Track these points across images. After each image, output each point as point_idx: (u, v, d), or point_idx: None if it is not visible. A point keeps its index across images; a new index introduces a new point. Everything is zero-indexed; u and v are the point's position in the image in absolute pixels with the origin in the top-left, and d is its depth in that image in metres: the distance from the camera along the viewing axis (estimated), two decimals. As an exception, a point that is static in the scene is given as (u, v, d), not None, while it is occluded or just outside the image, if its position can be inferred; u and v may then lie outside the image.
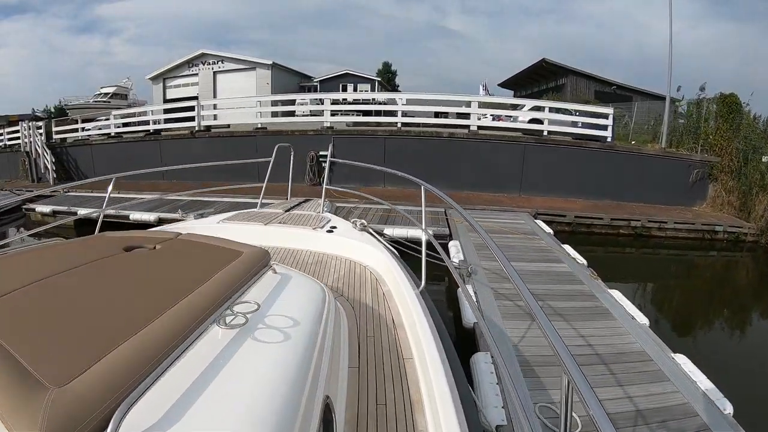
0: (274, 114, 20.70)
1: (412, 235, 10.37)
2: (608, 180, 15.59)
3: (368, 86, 38.44)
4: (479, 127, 17.08)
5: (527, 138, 16.57)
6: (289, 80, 36.43)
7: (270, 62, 34.28)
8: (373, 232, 4.87)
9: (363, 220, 5.06)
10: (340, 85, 37.48)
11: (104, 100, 46.33)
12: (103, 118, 23.24)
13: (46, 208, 14.29)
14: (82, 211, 13.21)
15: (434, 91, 18.20)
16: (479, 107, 17.33)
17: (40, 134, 22.10)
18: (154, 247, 2.37)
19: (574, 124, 17.49)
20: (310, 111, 20.47)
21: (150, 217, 12.65)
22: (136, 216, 12.87)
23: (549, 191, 15.78)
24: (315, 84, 39.23)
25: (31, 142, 21.97)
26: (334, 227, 5.01)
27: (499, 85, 47.75)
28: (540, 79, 40.48)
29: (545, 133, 16.97)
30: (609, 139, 16.71)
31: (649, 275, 12.08)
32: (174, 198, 14.70)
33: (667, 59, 17.62)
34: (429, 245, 3.92)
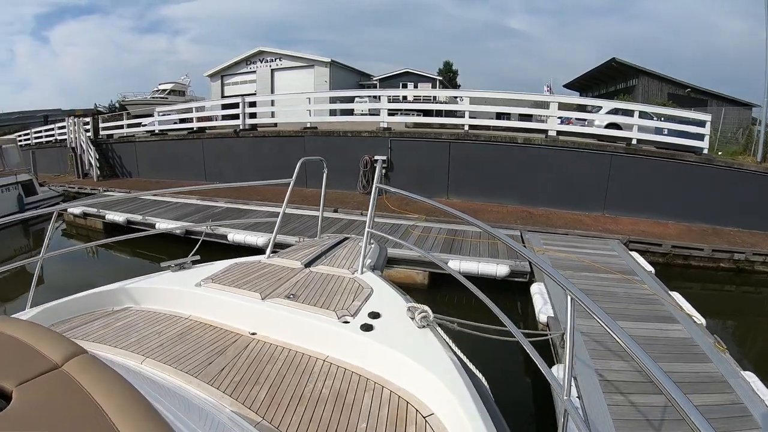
0: (332, 112, 19.28)
1: (485, 270, 8.40)
2: (703, 199, 12.97)
3: (429, 85, 36.80)
4: (558, 133, 14.71)
5: (615, 147, 14.07)
6: (348, 78, 35.03)
7: (328, 60, 33.09)
8: (444, 337, 2.75)
9: (426, 309, 2.86)
10: (401, 84, 35.78)
11: (162, 96, 46.13)
12: (148, 115, 23.12)
13: (76, 209, 13.60)
14: (110, 216, 12.63)
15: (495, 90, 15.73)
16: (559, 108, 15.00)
17: (86, 130, 21.91)
18: None
19: (658, 131, 15.01)
20: (369, 110, 18.56)
21: (175, 226, 11.08)
22: (162, 225, 11.56)
23: (636, 211, 13.33)
24: (374, 83, 37.75)
25: (76, 138, 21.81)
26: (376, 315, 2.95)
27: (564, 86, 44.86)
28: (608, 80, 37.54)
29: (633, 141, 14.32)
30: (704, 151, 14.13)
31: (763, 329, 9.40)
32: (210, 204, 13.49)
33: (745, 61, 14.94)
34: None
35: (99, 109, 49.88)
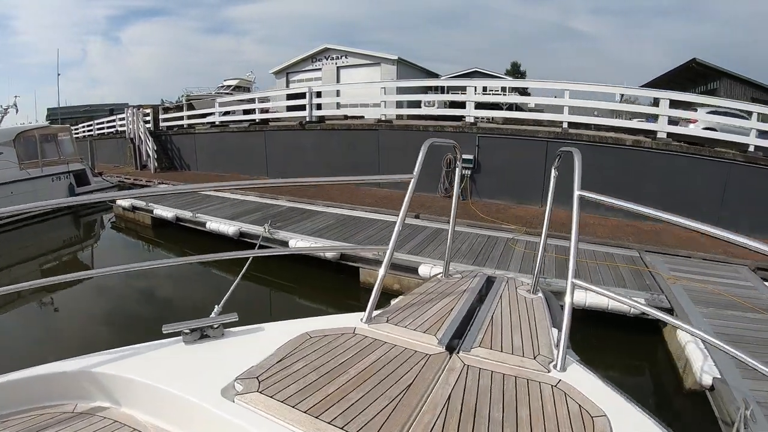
0: (399, 115, 17.69)
1: (616, 307, 6.49)
2: None
3: (497, 89, 35.11)
4: (669, 135, 12.54)
5: (734, 154, 11.79)
6: (415, 77, 33.63)
7: (395, 57, 31.89)
8: None
9: None
10: (467, 89, 34.09)
11: (227, 92, 45.76)
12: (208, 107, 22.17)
13: (125, 202, 12.90)
14: (157, 211, 11.61)
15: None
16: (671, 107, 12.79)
17: (146, 121, 21.67)
18: None
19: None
20: (436, 113, 16.93)
21: (229, 228, 9.64)
22: (212, 225, 10.12)
23: (755, 230, 10.75)
24: (443, 86, 36.21)
25: (135, 129, 21.58)
26: None
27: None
28: (687, 83, 34.70)
29: (751, 149, 12.05)
30: None
31: None
32: (271, 203, 12.14)
33: None
34: None
35: (166, 105, 50.14)
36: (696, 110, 14.32)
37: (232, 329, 2.36)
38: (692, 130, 13.19)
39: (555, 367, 2.19)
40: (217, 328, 2.28)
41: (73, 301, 8.01)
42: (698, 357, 5.25)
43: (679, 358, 5.82)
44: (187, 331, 2.21)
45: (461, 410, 1.79)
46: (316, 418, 1.68)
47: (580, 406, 1.87)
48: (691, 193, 11.53)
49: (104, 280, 8.58)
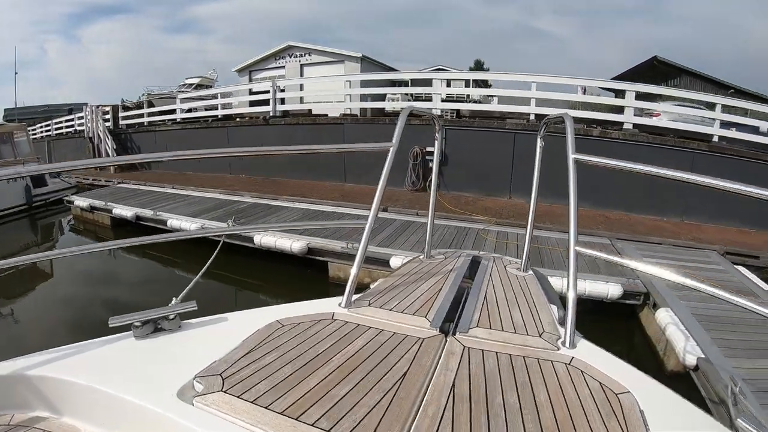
0: (363, 110, 17.32)
1: (594, 291, 6.56)
2: None
3: (462, 83, 35.14)
4: (635, 125, 12.82)
5: (698, 145, 12.04)
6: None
7: (359, 55, 31.56)
8: None
9: None
10: (433, 82, 34.12)
11: (189, 90, 44.91)
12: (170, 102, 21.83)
13: (83, 202, 12.46)
14: (117, 210, 11.18)
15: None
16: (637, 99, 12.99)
17: (105, 120, 21.15)
18: None
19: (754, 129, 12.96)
20: (401, 108, 16.69)
21: (191, 225, 9.39)
22: (174, 223, 9.84)
23: (717, 217, 11.60)
24: (406, 80, 36.14)
25: (94, 128, 21.02)
26: None
27: (600, 88, 43.03)
28: (648, 80, 35.39)
29: (715, 139, 12.52)
30: None
31: None
32: (234, 199, 11.79)
33: None
34: None
35: (126, 104, 48.95)
36: (659, 103, 14.57)
37: (190, 321, 2.02)
38: (657, 121, 13.38)
39: (564, 344, 2.00)
40: (173, 319, 1.93)
41: (10, 295, 7.68)
42: (680, 338, 5.34)
43: (658, 341, 5.91)
44: (138, 323, 1.86)
45: (470, 398, 1.57)
46: (296, 419, 1.38)
47: (600, 383, 1.70)
48: (657, 182, 11.67)
49: (48, 272, 8.22)
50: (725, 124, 12.95)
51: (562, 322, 2.16)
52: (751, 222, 11.41)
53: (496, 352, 1.89)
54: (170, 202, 11.62)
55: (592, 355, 1.93)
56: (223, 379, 1.56)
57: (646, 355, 5.95)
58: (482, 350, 1.91)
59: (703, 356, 4.87)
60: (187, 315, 2.01)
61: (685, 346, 5.15)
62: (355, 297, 2.37)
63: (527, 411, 1.50)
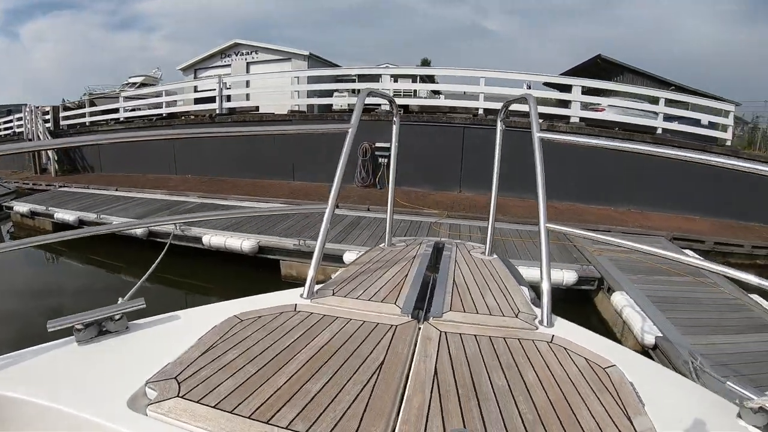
0: (310, 107, 17.42)
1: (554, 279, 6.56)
2: (729, 194, 11.84)
3: (409, 80, 35.25)
4: (581, 119, 13.43)
5: (642, 137, 12.68)
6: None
7: (306, 53, 31.23)
8: None
9: None
10: (380, 79, 34.17)
11: (132, 90, 43.72)
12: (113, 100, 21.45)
13: (23, 208, 11.95)
14: (59, 215, 10.73)
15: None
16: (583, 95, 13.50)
17: (45, 120, 20.42)
18: None
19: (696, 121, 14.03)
20: (348, 105, 17.01)
21: (138, 230, 9.10)
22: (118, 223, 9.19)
23: (662, 206, 12.22)
24: (353, 77, 35.98)
25: (33, 130, 20.17)
26: None
27: (544, 84, 43.89)
28: (592, 78, 36.63)
29: (659, 131, 13.25)
30: (728, 143, 13.67)
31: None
32: (180, 199, 11.67)
33: (718, 62, 13.88)
34: None
35: (67, 105, 47.20)
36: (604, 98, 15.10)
37: (139, 321, 1.82)
38: (603, 114, 13.84)
39: (542, 323, 1.98)
40: (119, 319, 1.72)
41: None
42: (637, 319, 5.60)
43: (615, 324, 6.16)
44: (80, 326, 1.64)
45: (456, 383, 1.47)
46: (267, 423, 1.22)
47: (586, 359, 1.67)
48: (604, 173, 12.17)
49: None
50: (668, 118, 13.49)
51: (536, 302, 2.15)
52: (694, 209, 11.96)
53: (475, 335, 1.83)
54: (114, 204, 11.27)
55: (571, 333, 1.92)
56: (179, 383, 1.39)
57: (603, 336, 6.08)
58: (460, 334, 1.83)
59: (661, 335, 5.12)
60: (134, 315, 1.80)
61: (642, 327, 5.40)
62: (317, 287, 2.23)
63: (518, 393, 1.44)
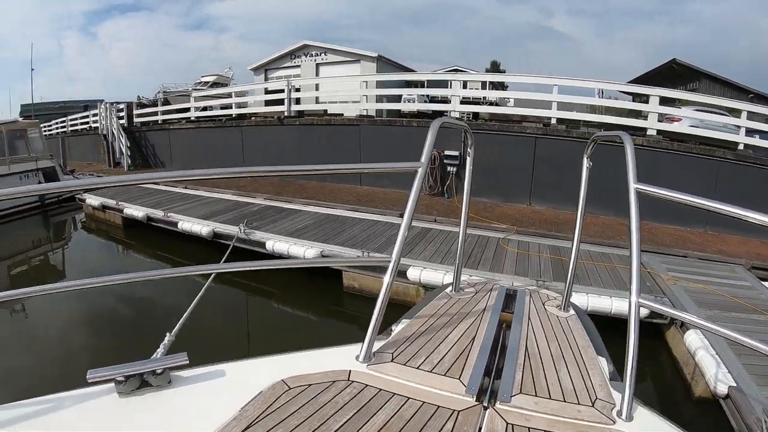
0: (379, 111, 17.38)
1: (620, 310, 6.07)
2: None
3: (479, 84, 34.76)
4: (659, 132, 12.45)
5: (724, 153, 11.62)
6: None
7: (375, 54, 31.35)
8: None
9: None
10: (449, 83, 33.82)
11: (204, 89, 44.90)
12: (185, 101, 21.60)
13: (95, 201, 12.35)
14: (128, 210, 11.04)
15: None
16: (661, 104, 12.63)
17: (120, 117, 20.94)
18: None
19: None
20: (417, 110, 16.94)
21: (202, 228, 9.18)
22: (185, 225, 9.59)
23: (742, 229, 10.99)
24: (422, 81, 35.84)
25: (108, 125, 20.78)
26: None
27: (620, 91, 42.55)
28: (666, 83, 34.89)
29: (740, 147, 12.01)
30: None
31: None
32: (248, 201, 11.90)
33: None
34: None
35: (142, 101, 48.90)
36: (680, 108, 14.21)
37: (181, 374, 1.74)
38: (678, 126, 12.98)
39: (620, 415, 1.69)
40: (161, 374, 1.65)
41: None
42: (710, 364, 5.01)
43: (686, 364, 5.55)
44: (121, 378, 1.58)
45: None
46: None
47: None
48: (681, 190, 11.32)
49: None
50: (750, 132, 12.53)
51: (615, 377, 1.91)
52: (775, 233, 10.84)
53: (545, 431, 1.59)
54: (182, 203, 11.42)
55: (651, 430, 1.65)
56: None
57: (673, 378, 5.61)
58: (529, 428, 1.58)
59: (735, 384, 4.58)
60: (176, 368, 1.73)
61: (716, 374, 4.84)
62: (376, 345, 2.02)
63: None
